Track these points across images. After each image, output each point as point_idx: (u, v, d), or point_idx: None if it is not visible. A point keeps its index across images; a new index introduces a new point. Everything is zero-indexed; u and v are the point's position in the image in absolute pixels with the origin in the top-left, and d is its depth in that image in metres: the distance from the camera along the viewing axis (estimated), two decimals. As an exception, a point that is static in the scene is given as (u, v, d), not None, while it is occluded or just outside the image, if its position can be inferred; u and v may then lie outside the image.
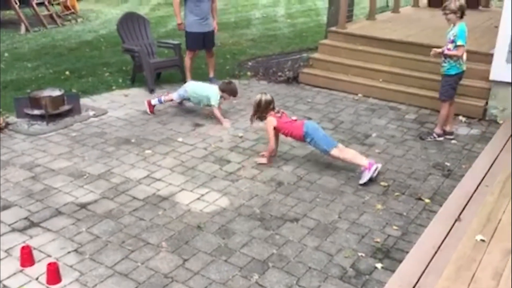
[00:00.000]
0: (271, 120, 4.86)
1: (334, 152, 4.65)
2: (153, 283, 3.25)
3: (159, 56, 7.61)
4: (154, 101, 6.18)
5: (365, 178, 4.49)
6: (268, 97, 4.95)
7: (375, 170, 4.51)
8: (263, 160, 4.95)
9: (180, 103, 6.36)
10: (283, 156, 5.10)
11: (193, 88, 6.06)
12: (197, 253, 3.55)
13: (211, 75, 7.39)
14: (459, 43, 5.14)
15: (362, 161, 4.57)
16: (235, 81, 7.45)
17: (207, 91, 5.93)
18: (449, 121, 5.60)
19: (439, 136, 5.49)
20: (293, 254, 3.57)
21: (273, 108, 4.94)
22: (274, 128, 4.86)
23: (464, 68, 5.36)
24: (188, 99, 6.13)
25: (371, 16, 8.74)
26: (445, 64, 5.33)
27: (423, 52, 6.92)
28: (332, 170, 4.81)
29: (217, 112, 5.89)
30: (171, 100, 6.20)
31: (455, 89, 5.47)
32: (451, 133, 5.60)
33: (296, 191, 4.44)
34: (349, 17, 8.48)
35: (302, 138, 4.81)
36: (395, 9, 9.55)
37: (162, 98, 6.20)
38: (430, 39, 7.20)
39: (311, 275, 3.35)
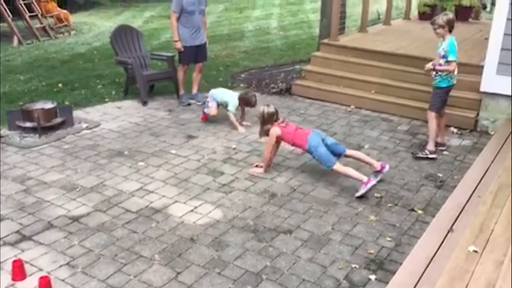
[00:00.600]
0: (275, 130, 4.89)
1: (336, 167, 4.64)
2: (146, 296, 3.23)
3: (152, 68, 7.63)
4: (206, 110, 6.46)
5: (360, 191, 4.50)
6: (271, 108, 4.97)
7: (371, 186, 4.51)
8: (259, 170, 4.97)
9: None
10: (276, 168, 5.11)
11: (216, 94, 6.34)
12: (190, 266, 3.53)
13: (194, 91, 7.29)
14: (450, 58, 5.19)
15: (362, 177, 4.56)
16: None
17: (227, 96, 6.26)
18: (441, 133, 5.64)
19: (431, 153, 5.38)
20: (287, 266, 3.56)
21: (277, 119, 4.97)
22: (278, 137, 4.90)
23: (455, 81, 5.42)
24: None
25: (362, 28, 8.82)
26: (436, 77, 5.38)
27: (414, 64, 7.01)
28: (325, 182, 4.82)
29: (232, 118, 6.16)
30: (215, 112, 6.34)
31: (445, 101, 5.52)
32: (443, 145, 5.63)
33: (290, 202, 4.44)
34: (341, 30, 8.55)
35: (305, 151, 4.87)
36: (387, 22, 9.65)
37: (206, 111, 6.42)
38: (421, 51, 7.28)
39: (304, 287, 3.35)
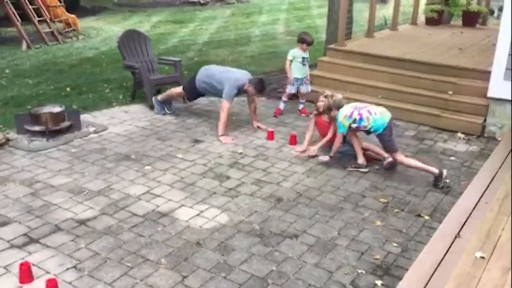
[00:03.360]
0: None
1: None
2: (152, 300, 3.23)
3: (159, 73, 7.67)
4: (281, 106, 6.89)
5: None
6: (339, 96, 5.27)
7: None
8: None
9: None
10: (282, 173, 5.11)
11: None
12: (197, 270, 3.54)
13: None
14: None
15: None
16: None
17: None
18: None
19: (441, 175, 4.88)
20: (293, 270, 3.55)
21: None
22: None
23: (383, 121, 4.96)
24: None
25: (369, 33, 8.83)
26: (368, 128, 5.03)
27: (421, 69, 7.02)
28: (331, 187, 4.82)
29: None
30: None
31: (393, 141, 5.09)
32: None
33: (296, 207, 4.44)
34: (348, 35, 8.56)
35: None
36: (393, 27, 9.65)
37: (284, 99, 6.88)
38: (428, 57, 7.28)
39: (310, 292, 3.34)
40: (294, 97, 7.07)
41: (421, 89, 6.79)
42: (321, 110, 5.41)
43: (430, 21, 10.26)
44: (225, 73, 6.12)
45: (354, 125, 5.03)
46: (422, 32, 9.48)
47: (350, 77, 7.42)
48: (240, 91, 6.05)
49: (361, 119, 4.95)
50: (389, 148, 5.01)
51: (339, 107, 5.10)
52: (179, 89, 6.60)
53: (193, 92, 6.42)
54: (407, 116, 6.65)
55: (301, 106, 7.02)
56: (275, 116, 6.86)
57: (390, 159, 5.15)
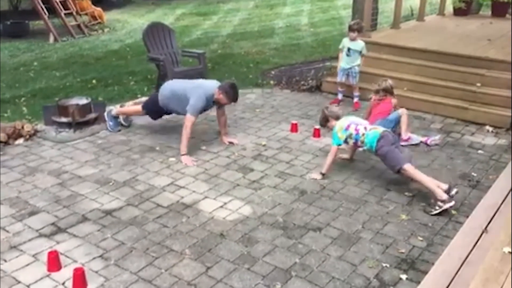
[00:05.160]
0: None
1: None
2: (176, 290, 3.27)
3: (183, 65, 7.70)
4: (339, 96, 6.91)
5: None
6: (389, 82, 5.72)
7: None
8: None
9: None
10: (305, 165, 5.09)
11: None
12: (220, 261, 3.56)
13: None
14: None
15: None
16: (258, 90, 7.52)
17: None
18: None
19: (443, 202, 4.19)
20: (316, 263, 3.55)
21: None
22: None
23: (376, 134, 4.59)
24: None
25: (395, 24, 8.69)
26: (366, 147, 4.73)
27: (448, 60, 6.89)
28: (355, 180, 4.78)
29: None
30: None
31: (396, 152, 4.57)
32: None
33: (319, 200, 4.42)
34: (373, 26, 8.45)
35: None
36: (420, 18, 9.47)
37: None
38: (456, 48, 7.13)
39: (334, 285, 3.33)
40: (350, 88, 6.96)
41: (449, 81, 6.67)
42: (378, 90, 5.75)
43: (458, 12, 10.05)
44: (191, 84, 5.38)
45: (350, 141, 4.73)
46: (449, 23, 9.29)
47: (375, 69, 7.31)
48: (210, 103, 5.31)
49: (357, 134, 4.65)
50: (393, 162, 4.42)
51: (337, 117, 4.86)
52: (137, 108, 5.83)
53: (156, 110, 5.64)
54: (433, 108, 6.55)
55: (354, 100, 6.87)
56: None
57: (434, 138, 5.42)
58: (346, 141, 4.77)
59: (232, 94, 5.30)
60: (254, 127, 6.11)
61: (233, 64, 9.20)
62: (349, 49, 6.70)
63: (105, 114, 5.94)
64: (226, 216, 4.15)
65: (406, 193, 4.52)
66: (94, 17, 13.15)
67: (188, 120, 5.13)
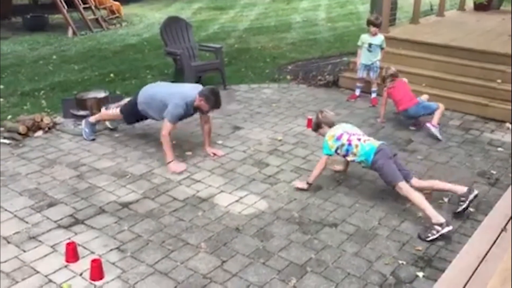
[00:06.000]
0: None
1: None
2: (192, 283, 3.29)
3: (200, 59, 7.72)
4: (357, 92, 6.96)
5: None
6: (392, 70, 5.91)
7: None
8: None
9: None
10: (322, 161, 5.07)
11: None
12: (235, 255, 3.57)
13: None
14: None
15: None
16: (275, 85, 7.49)
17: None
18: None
19: (441, 226, 3.78)
20: (332, 259, 3.54)
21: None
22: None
23: (372, 147, 4.23)
24: None
25: (414, 20, 8.58)
26: (358, 160, 4.35)
27: (468, 56, 6.79)
28: (372, 176, 4.74)
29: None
30: None
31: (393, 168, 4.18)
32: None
33: (335, 196, 4.40)
34: (392, 21, 8.35)
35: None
36: (440, 13, 9.34)
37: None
38: (476, 44, 7.02)
39: (350, 281, 3.32)
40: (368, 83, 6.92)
41: (468, 77, 6.57)
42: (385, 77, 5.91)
43: (478, 7, 9.88)
44: (171, 89, 5.07)
45: (341, 152, 4.32)
46: (470, 18, 9.14)
47: (393, 65, 7.17)
48: (190, 110, 4.95)
49: (350, 145, 4.24)
50: (389, 177, 4.10)
51: (330, 124, 4.45)
52: (114, 112, 5.48)
53: (132, 114, 5.32)
54: (452, 105, 6.45)
55: (372, 95, 6.82)
56: (348, 101, 6.86)
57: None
58: (336, 152, 4.34)
59: (213, 100, 4.84)
60: (270, 122, 6.10)
61: (249, 58, 9.19)
62: (370, 45, 6.62)
63: (83, 121, 5.60)
64: (241, 210, 4.16)
65: (424, 190, 4.46)
66: (112, 11, 13.22)
67: (166, 127, 4.78)
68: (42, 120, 5.70)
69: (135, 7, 15.42)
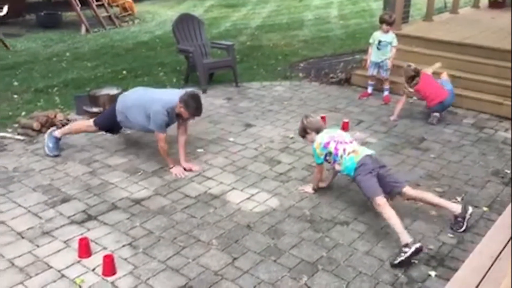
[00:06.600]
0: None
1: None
2: (203, 279, 3.30)
3: (212, 57, 7.73)
4: (369, 89, 6.94)
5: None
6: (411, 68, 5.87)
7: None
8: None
9: None
10: (334, 159, 5.05)
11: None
12: (247, 252, 3.57)
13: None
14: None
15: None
16: (287, 82, 7.47)
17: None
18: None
19: (406, 247, 3.46)
20: (343, 257, 3.53)
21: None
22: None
23: (352, 162, 3.98)
24: None
25: (428, 17, 8.51)
26: (343, 172, 4.18)
27: (482, 54, 6.71)
28: (384, 174, 4.72)
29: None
30: None
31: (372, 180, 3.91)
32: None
33: (347, 194, 4.39)
34: (405, 18, 8.29)
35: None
36: (454, 10, 9.24)
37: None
38: (490, 41, 6.94)
39: (361, 279, 3.31)
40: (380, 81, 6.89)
41: (482, 75, 6.50)
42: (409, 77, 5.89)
43: (493, 4, 9.77)
44: (152, 95, 4.79)
45: (330, 160, 4.13)
46: (484, 16, 9.04)
47: (406, 62, 7.17)
48: (172, 117, 4.69)
49: (336, 155, 4.05)
50: (367, 193, 3.85)
51: (317, 130, 4.22)
52: (87, 123, 5.14)
53: (113, 125, 5.03)
54: (466, 103, 6.40)
55: (384, 93, 6.78)
56: (359, 98, 6.82)
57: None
58: (326, 159, 4.17)
59: (193, 107, 4.56)
60: (282, 120, 6.09)
61: (261, 56, 9.18)
62: (379, 42, 6.58)
63: (47, 134, 5.12)
64: (253, 208, 4.16)
65: (437, 189, 4.44)
66: (125, 9, 13.29)
67: (159, 139, 4.65)
68: (55, 116, 5.74)
69: (148, 5, 15.48)
